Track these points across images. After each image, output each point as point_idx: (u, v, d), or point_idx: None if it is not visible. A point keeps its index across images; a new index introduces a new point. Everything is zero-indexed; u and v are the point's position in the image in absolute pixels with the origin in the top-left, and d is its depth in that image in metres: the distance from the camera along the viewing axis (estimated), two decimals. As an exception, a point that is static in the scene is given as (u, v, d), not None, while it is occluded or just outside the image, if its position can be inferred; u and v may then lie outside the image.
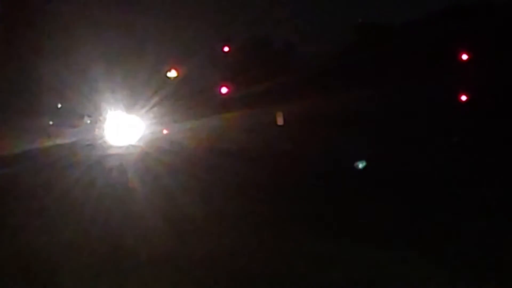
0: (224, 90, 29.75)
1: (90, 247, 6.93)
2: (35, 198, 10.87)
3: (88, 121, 30.03)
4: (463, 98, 20.35)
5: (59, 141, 26.38)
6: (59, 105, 30.71)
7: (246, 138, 29.14)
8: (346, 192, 10.90)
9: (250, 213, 8.96)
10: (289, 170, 16.04)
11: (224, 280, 5.51)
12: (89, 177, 13.55)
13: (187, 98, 29.93)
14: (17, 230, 8.03)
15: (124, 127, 26.75)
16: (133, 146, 24.65)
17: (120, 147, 24.13)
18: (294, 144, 25.90)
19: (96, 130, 27.55)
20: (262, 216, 8.66)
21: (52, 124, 30.82)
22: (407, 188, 11.13)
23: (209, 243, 7.02)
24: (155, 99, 27.10)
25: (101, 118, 27.74)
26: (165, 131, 28.34)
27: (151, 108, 27.13)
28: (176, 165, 18.26)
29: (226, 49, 30.02)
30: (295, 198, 10.45)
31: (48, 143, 25.64)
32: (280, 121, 29.36)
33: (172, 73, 30.93)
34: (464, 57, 20.27)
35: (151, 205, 10.17)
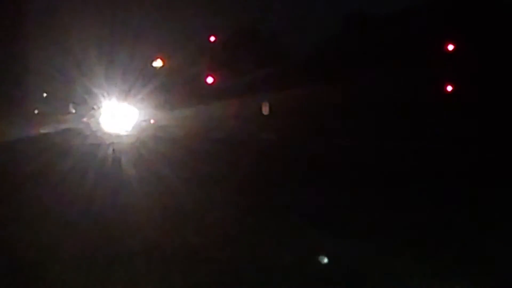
0: (210, 80, 29.77)
1: (82, 238, 6.94)
2: (23, 189, 10.80)
3: (73, 110, 29.85)
4: (449, 88, 20.58)
5: (43, 130, 26.15)
6: (45, 94, 30.52)
7: (232, 127, 29.17)
8: (329, 183, 10.98)
9: (235, 202, 9.01)
10: (274, 159, 16.14)
11: (211, 269, 5.59)
12: (80, 167, 13.47)
13: (175, 87, 29.93)
14: (5, 221, 7.98)
15: (116, 115, 26.69)
16: (125, 134, 24.56)
17: (112, 136, 23.97)
18: (279, 133, 26.02)
19: (86, 118, 27.42)
20: (247, 205, 8.72)
21: (38, 113, 30.62)
22: (391, 179, 11.23)
23: (195, 232, 7.07)
24: (146, 88, 27.05)
25: (92, 106, 27.61)
26: (152, 121, 28.37)
27: (142, 97, 27.10)
28: (165, 152, 18.28)
29: (212, 39, 30.00)
30: (280, 188, 10.51)
31: (33, 132, 25.44)
32: (266, 110, 29.44)
33: (158, 63, 30.88)
34: (450, 47, 20.46)
35: (143, 193, 10.19)
